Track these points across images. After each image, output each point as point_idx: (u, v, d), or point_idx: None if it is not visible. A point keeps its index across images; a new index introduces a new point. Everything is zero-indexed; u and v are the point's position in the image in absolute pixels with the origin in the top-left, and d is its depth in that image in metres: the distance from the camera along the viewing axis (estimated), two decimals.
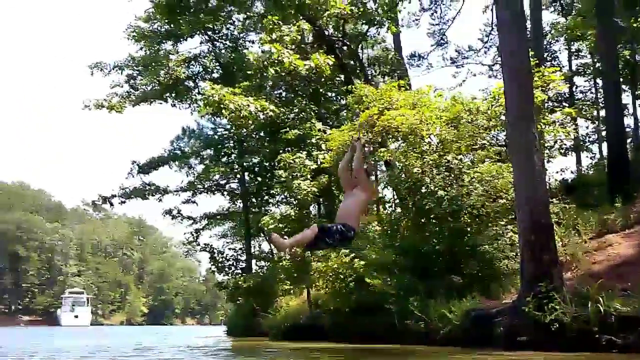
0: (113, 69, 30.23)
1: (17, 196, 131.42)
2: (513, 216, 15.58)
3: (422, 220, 18.46)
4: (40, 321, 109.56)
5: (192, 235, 36.99)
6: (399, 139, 19.80)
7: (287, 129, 25.21)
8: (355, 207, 7.28)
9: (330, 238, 6.83)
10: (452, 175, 18.11)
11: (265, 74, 23.90)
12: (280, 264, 24.89)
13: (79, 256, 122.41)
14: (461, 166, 18.27)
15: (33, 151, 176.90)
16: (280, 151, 25.66)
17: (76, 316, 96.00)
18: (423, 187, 18.27)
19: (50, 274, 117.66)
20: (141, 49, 30.86)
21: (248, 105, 22.55)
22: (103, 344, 23.49)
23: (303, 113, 25.58)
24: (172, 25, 30.01)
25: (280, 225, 23.57)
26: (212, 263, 35.35)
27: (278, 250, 6.93)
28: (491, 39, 31.38)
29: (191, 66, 32.31)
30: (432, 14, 31.76)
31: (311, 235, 6.72)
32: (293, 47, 23.40)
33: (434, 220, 18.02)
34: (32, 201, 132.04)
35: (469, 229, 17.42)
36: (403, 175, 19.08)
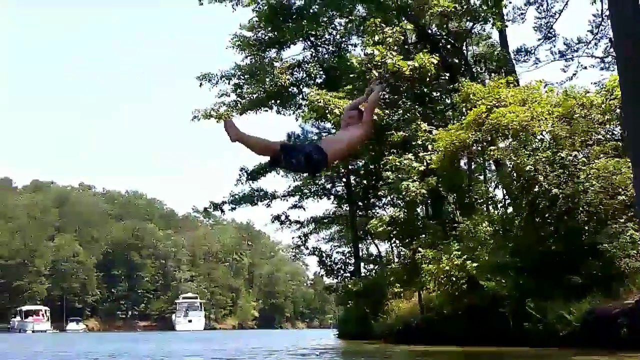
0: (220, 79, 30.91)
1: (132, 205, 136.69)
2: (632, 213, 14.94)
3: (537, 220, 17.96)
4: (155, 326, 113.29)
5: (300, 239, 37.36)
6: (509, 136, 19.32)
7: (393, 130, 25.04)
8: (346, 139, 6.56)
9: (293, 158, 6.13)
10: (567, 173, 17.50)
11: (368, 77, 23.82)
12: (390, 266, 24.75)
13: (191, 262, 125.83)
14: (576, 163, 17.65)
15: (145, 161, 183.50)
16: (386, 153, 25.51)
17: (190, 321, 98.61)
18: (536, 186, 17.77)
19: (164, 280, 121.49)
20: (246, 57, 31.43)
21: None
22: (233, 347, 24.01)
23: (408, 114, 25.35)
24: (275, 33, 30.39)
25: (389, 228, 23.47)
26: (320, 267, 35.60)
27: (229, 136, 6.17)
28: (602, 30, 30.21)
29: (295, 72, 32.62)
30: (538, 7, 30.85)
31: (272, 147, 6.15)
32: (396, 48, 23.27)
33: (549, 220, 17.49)
34: (145, 209, 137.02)
35: (586, 228, 16.81)
36: (514, 174, 18.62)
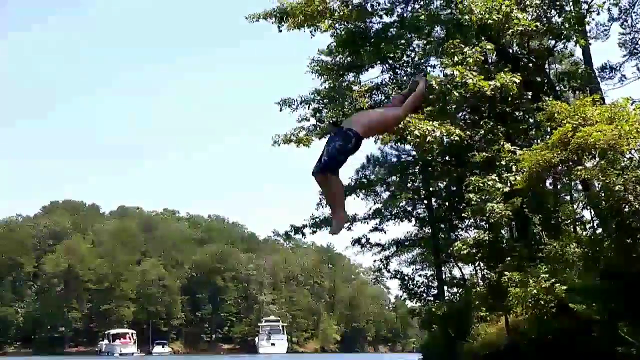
0: (300, 104, 31.12)
1: (214, 229, 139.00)
2: None
3: (627, 241, 17.37)
4: (238, 349, 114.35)
5: (382, 262, 37.06)
6: (596, 156, 18.79)
7: (474, 151, 24.71)
8: (381, 113, 6.97)
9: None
10: None
11: (448, 98, 23.59)
12: (475, 290, 24.35)
13: (273, 285, 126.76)
14: None
15: (226, 185, 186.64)
16: (468, 174, 25.16)
17: (273, 344, 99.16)
18: (626, 206, 17.21)
19: (247, 303, 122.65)
20: (325, 81, 31.57)
21: (433, 131, 22.37)
22: None
23: (490, 134, 24.99)
24: (353, 57, 30.48)
25: (473, 250, 23.10)
26: (402, 290, 35.22)
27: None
28: None
29: (373, 95, 32.57)
30: (622, 23, 30.05)
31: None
32: (476, 68, 22.99)
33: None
34: (228, 233, 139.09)
35: None
36: (602, 194, 18.08)
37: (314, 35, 29.84)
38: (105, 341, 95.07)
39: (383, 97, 32.65)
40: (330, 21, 28.78)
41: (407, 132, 21.76)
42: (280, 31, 29.40)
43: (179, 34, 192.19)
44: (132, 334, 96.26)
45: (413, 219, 36.00)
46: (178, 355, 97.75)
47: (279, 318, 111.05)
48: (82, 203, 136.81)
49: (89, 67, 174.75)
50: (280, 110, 31.24)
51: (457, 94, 22.41)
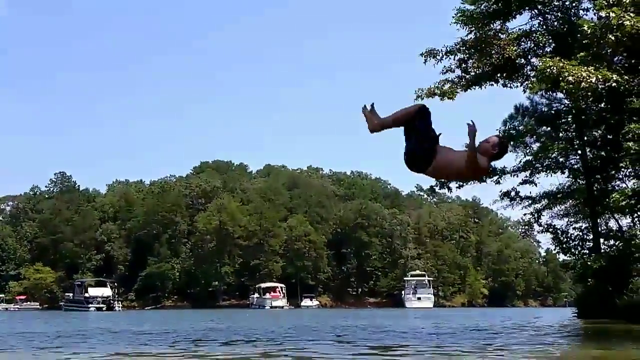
0: (445, 55, 30.56)
1: (358, 185, 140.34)
2: None
3: None
4: (384, 303, 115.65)
5: (532, 215, 36.08)
6: None
7: (633, 97, 23.44)
8: (456, 162, 5.90)
9: (421, 125, 5.87)
10: None
11: (603, 42, 22.44)
12: (634, 242, 23.36)
13: (417, 240, 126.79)
14: None
15: (367, 143, 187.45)
16: (627, 122, 23.94)
17: (419, 298, 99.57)
18: None
19: (391, 257, 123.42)
20: (470, 32, 30.78)
21: (588, 76, 21.40)
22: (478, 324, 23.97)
23: None
24: (499, 4, 29.53)
25: (632, 201, 22.11)
26: (555, 244, 34.23)
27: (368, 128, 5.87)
28: None
29: (522, 43, 31.50)
30: None
31: (412, 111, 5.88)
32: (633, 9, 21.69)
33: None
34: (370, 189, 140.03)
35: None
36: None
37: None
38: (256, 295, 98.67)
39: (532, 45, 31.54)
40: None
41: (561, 78, 20.93)
42: None
43: None
44: (281, 287, 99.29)
45: (566, 170, 34.71)
46: (326, 308, 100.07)
47: (424, 272, 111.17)
48: (231, 163, 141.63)
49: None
50: (425, 62, 30.78)
51: (612, 38, 21.29)
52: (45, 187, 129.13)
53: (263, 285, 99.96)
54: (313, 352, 10.03)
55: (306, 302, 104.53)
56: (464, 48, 30.44)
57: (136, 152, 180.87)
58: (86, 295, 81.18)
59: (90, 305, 76.70)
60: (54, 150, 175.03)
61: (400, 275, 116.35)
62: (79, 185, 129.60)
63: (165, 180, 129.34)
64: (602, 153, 30.87)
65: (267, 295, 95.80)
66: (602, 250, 31.50)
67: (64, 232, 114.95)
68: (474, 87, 31.46)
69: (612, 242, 32.06)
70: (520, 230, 54.89)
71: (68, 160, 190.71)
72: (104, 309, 75.78)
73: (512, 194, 35.44)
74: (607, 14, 21.35)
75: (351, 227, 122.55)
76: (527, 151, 35.13)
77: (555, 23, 31.10)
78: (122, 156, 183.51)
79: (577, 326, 21.27)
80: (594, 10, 26.25)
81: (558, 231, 33.88)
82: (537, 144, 34.66)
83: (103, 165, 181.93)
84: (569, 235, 33.73)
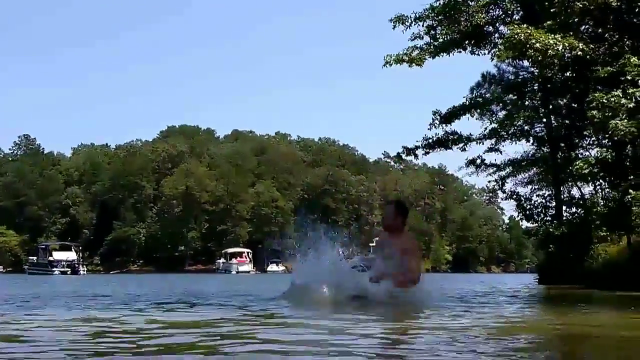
0: (414, 21, 30.46)
1: (325, 152, 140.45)
2: None
3: None
4: None
5: (497, 182, 36.35)
6: None
7: (598, 66, 23.58)
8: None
9: None
10: None
11: (570, 10, 22.53)
12: (595, 209, 23.68)
13: (383, 206, 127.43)
14: None
15: (336, 108, 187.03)
16: (591, 90, 24.10)
17: None
18: None
19: (358, 224, 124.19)
20: None
21: (555, 44, 21.50)
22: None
23: (615, 48, 23.73)
24: None
25: (595, 169, 22.37)
26: (518, 211, 34.56)
27: None
28: None
29: (491, 10, 31.49)
30: None
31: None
32: None
33: None
34: (338, 156, 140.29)
35: None
36: None
37: None
38: (223, 260, 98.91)
39: (500, 12, 31.58)
40: None
41: (528, 45, 21.00)
42: None
43: None
44: (247, 253, 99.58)
45: (531, 138, 34.98)
46: (292, 273, 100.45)
47: None
48: (198, 127, 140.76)
49: None
50: (394, 27, 30.71)
51: (580, 5, 21.38)
52: (9, 149, 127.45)
53: (229, 250, 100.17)
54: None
55: (272, 267, 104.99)
56: (433, 14, 30.38)
57: (102, 114, 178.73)
58: (50, 258, 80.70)
59: (54, 269, 76.29)
60: (17, 111, 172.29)
61: (366, 241, 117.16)
62: (43, 149, 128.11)
63: (132, 144, 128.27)
64: (567, 121, 31.10)
65: (234, 260, 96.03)
66: (564, 218, 31.91)
67: (28, 195, 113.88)
68: (442, 54, 31.46)
69: (574, 209, 32.48)
70: (484, 197, 55.49)
71: (32, 123, 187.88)
72: (69, 272, 75.40)
73: (478, 161, 35.64)
74: None
75: (318, 194, 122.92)
76: (494, 119, 35.33)
77: None
78: (87, 119, 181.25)
79: (538, 292, 21.58)
80: None
81: (522, 198, 34.15)
82: (504, 112, 34.83)
83: (68, 128, 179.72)
84: (532, 202, 34.04)
